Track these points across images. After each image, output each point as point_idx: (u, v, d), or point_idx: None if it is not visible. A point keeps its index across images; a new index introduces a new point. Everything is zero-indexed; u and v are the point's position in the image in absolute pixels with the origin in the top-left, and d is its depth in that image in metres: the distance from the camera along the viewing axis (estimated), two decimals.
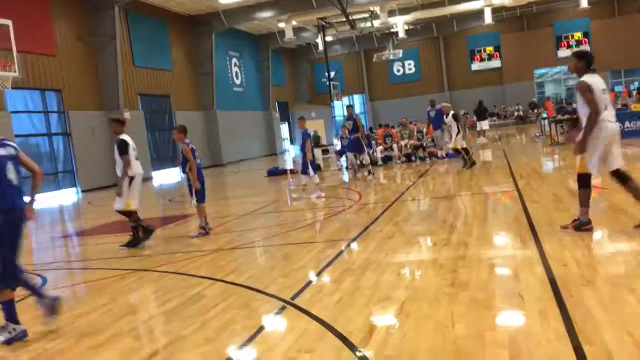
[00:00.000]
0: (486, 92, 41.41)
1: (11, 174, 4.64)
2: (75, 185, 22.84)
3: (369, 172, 15.70)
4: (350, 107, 17.69)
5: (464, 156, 14.60)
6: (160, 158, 28.74)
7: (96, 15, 23.92)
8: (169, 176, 28.29)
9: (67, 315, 5.31)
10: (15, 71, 14.94)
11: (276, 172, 20.08)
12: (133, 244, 8.46)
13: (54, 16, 21.92)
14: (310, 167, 12.56)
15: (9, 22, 15.13)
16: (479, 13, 35.42)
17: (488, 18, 34.08)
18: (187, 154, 8.77)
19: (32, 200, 4.99)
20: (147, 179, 26.19)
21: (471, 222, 7.67)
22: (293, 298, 4.93)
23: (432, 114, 18.51)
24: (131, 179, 8.36)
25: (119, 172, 8.38)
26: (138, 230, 8.48)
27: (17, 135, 19.75)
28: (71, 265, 7.99)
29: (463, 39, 44.15)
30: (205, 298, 5.30)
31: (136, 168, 8.43)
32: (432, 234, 7.16)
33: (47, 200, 20.42)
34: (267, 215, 10.95)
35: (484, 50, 44.20)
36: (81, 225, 13.45)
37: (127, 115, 24.64)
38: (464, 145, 14.86)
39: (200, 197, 8.94)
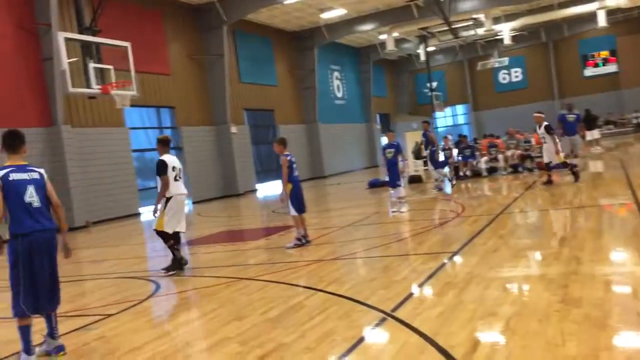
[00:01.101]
0: (600, 99, 39.03)
1: (30, 198, 4.69)
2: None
3: (439, 188, 15.75)
4: (426, 123, 17.22)
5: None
6: (265, 170, 29.60)
7: (206, 35, 25.20)
8: (273, 188, 29.06)
9: (180, 319, 5.60)
10: (133, 90, 16.01)
11: (377, 184, 20.04)
12: (173, 267, 8.06)
13: (168, 38, 23.34)
14: (399, 179, 12.50)
15: (128, 45, 16.27)
16: (592, 16, 33.45)
17: (602, 21, 32.12)
18: (283, 166, 9.07)
19: (63, 238, 5.00)
20: (252, 191, 27.13)
21: (584, 235, 7.24)
22: (394, 310, 4.88)
23: (571, 118, 17.02)
24: (168, 199, 8.06)
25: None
26: (175, 253, 8.15)
27: (134, 150, 21.17)
28: (182, 273, 8.35)
29: (574, 44, 41.96)
30: (306, 307, 5.37)
31: (175, 189, 8.12)
32: (541, 247, 6.83)
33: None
34: (368, 226, 10.95)
35: (598, 55, 41.75)
36: (191, 234, 14.12)
37: (233, 129, 25.70)
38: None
39: (297, 208, 8.95)
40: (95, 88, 15.20)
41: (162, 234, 8.12)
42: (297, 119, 32.72)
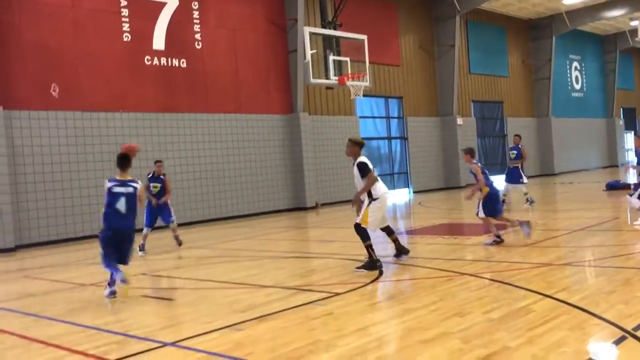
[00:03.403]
0: None
1: (120, 206, 7.07)
2: (408, 186, 24.44)
3: (527, 201, 14.81)
4: (517, 137, 15.81)
5: None
6: (490, 164, 28.69)
7: (438, 25, 25.16)
8: (497, 182, 28.05)
9: (399, 308, 5.78)
10: (367, 81, 16.72)
11: (617, 187, 18.14)
12: (368, 266, 7.75)
13: (400, 29, 23.81)
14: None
15: (364, 37, 16.99)
16: None
17: None
18: (477, 173, 9.50)
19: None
20: (472, 184, 26.50)
21: None
22: (636, 329, 4.44)
23: None
24: (375, 199, 7.90)
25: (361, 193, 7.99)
26: (372, 253, 7.81)
27: (363, 138, 22.10)
28: (400, 261, 8.52)
29: None
30: (534, 313, 5.14)
31: (381, 188, 8.00)
32: None
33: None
34: (605, 233, 10.01)
35: None
36: (411, 224, 14.36)
37: (459, 121, 25.35)
38: None
39: (489, 210, 9.27)
40: (333, 79, 16.20)
41: (362, 232, 7.87)
42: (527, 112, 31.05)
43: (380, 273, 7.52)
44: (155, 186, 11.17)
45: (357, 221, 7.91)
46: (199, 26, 17.25)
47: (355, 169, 7.95)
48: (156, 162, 11.55)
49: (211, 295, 7.03)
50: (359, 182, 7.97)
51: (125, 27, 15.71)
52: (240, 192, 17.98)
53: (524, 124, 29.81)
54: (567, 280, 6.48)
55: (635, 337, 4.29)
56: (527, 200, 15.11)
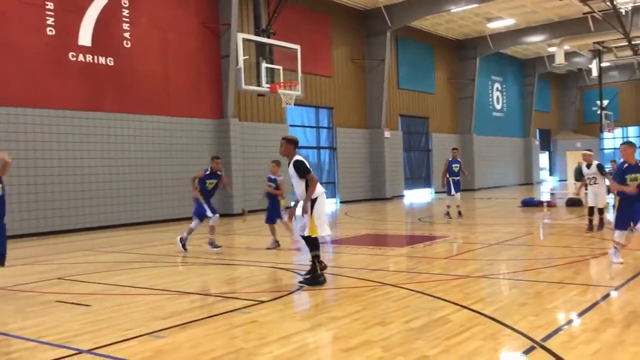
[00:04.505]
0: None
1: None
2: (334, 196, 24.70)
3: (459, 214, 15.78)
4: (455, 150, 16.60)
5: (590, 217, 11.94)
6: (414, 177, 29.52)
7: (369, 39, 25.70)
8: (421, 195, 28.88)
9: (322, 316, 5.83)
10: (299, 91, 16.82)
11: (531, 204, 19.13)
12: (311, 282, 7.35)
13: (333, 41, 24.14)
14: None
15: (297, 47, 17.10)
16: None
17: None
18: (281, 185, 11.33)
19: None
20: (399, 196, 27.18)
21: None
22: (544, 340, 4.69)
23: None
24: (314, 200, 7.36)
25: (299, 195, 7.48)
26: (317, 266, 7.37)
27: None
28: (326, 270, 8.58)
29: None
30: (451, 323, 5.33)
31: (319, 188, 7.50)
32: None
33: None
34: (519, 247, 10.52)
35: None
36: (337, 233, 14.51)
37: (387, 134, 25.93)
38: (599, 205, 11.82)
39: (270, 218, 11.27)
40: (265, 86, 16.18)
41: (312, 241, 7.36)
42: (451, 128, 32.20)
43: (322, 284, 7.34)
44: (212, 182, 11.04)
45: (305, 234, 7.35)
46: (128, 25, 16.82)
47: (291, 168, 7.40)
48: (214, 158, 11.33)
49: (131, 301, 6.84)
50: (297, 183, 7.39)
51: (50, 20, 15.09)
52: (166, 196, 17.61)
53: (448, 140, 30.87)
54: (483, 292, 6.75)
55: (543, 347, 4.53)
56: (459, 213, 15.80)
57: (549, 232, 13.31)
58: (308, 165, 7.48)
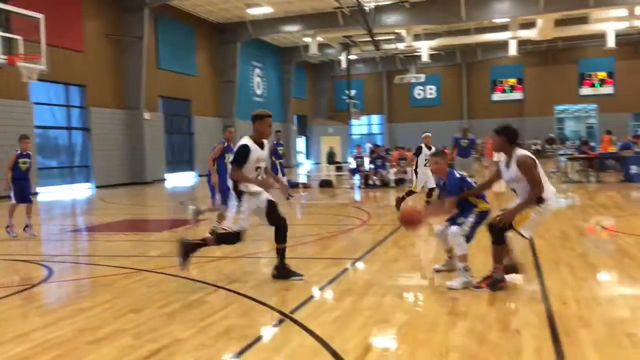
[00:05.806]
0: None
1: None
2: (89, 181, 23.10)
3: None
4: (279, 132, 16.43)
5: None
6: (176, 161, 29.01)
7: (126, 15, 24.37)
8: (184, 179, 28.55)
9: (70, 309, 5.41)
10: (42, 65, 15.22)
11: (290, 185, 20.16)
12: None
13: (84, 13, 22.34)
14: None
15: (41, 16, 15.44)
16: (504, 44, 35.45)
17: (513, 50, 34.09)
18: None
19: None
20: (160, 180, 26.48)
21: (474, 252, 7.67)
22: (292, 312, 4.98)
23: (464, 143, 16.01)
24: (242, 193, 6.31)
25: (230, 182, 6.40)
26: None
27: (37, 127, 20.10)
28: (77, 260, 8.08)
29: (486, 69, 44.27)
30: (207, 304, 5.36)
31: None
32: (438, 260, 7.17)
33: (60, 193, 20.69)
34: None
35: (506, 82, 44.27)
36: (91, 220, 13.61)
37: (147, 116, 24.99)
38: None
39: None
40: (1, 58, 14.32)
41: (228, 238, 6.39)
42: (214, 111, 32.29)
43: (50, 274, 6.92)
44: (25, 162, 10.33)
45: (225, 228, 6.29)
46: None
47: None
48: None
49: None
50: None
51: None
52: None
53: (210, 123, 30.94)
54: (240, 272, 6.93)
55: (292, 319, 4.81)
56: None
57: (305, 212, 14.19)
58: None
